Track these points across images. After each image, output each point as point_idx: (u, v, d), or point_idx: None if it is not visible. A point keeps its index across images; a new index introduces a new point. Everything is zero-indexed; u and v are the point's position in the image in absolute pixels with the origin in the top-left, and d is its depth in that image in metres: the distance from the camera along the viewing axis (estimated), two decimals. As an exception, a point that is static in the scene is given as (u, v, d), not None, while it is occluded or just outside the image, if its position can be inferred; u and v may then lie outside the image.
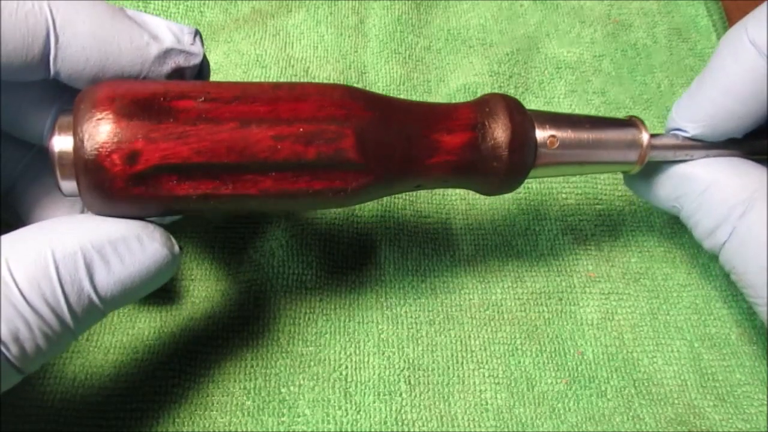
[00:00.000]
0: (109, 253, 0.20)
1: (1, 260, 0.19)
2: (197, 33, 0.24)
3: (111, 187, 0.20)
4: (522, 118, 0.25)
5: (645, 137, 0.27)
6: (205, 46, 0.24)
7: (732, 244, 0.26)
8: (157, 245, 0.21)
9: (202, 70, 0.24)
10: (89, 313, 0.20)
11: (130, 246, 0.21)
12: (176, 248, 0.22)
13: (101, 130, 0.20)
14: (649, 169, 0.28)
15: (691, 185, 0.27)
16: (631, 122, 0.27)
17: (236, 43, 0.39)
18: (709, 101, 0.26)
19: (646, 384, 0.30)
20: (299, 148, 0.21)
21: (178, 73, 0.23)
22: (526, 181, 0.37)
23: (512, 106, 0.25)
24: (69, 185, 0.21)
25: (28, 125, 0.24)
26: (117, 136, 0.20)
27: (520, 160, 0.25)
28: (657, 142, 0.27)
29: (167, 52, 0.23)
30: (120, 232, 0.21)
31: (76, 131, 0.20)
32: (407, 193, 0.34)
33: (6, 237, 0.20)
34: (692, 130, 0.27)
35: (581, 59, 0.40)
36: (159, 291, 0.30)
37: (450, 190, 0.35)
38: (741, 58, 0.25)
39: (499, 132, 0.24)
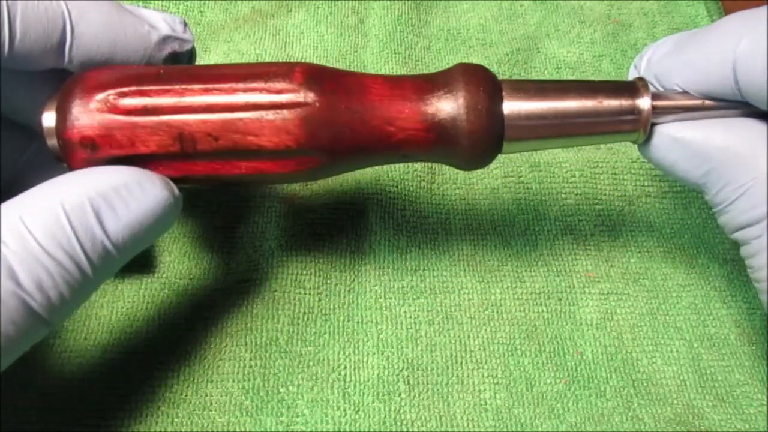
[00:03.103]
0: (114, 200, 0.22)
1: (16, 216, 0.20)
2: (185, 22, 0.27)
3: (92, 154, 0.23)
4: (483, 86, 0.24)
5: (646, 103, 0.23)
6: (193, 34, 0.27)
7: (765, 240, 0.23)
8: (157, 189, 0.23)
9: (192, 55, 0.28)
10: (104, 259, 0.21)
11: (132, 191, 0.22)
12: (176, 191, 0.24)
13: (79, 111, 0.23)
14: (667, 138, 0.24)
15: (732, 169, 0.23)
16: (632, 85, 0.24)
17: (236, 43, 0.39)
18: (689, 75, 0.23)
19: (646, 384, 0.30)
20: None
21: (173, 58, 0.26)
22: (525, 180, 0.37)
23: (474, 73, 0.24)
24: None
25: (32, 114, 0.25)
26: (94, 114, 0.23)
27: (481, 131, 0.23)
28: (661, 103, 0.24)
29: (165, 39, 0.26)
30: (121, 179, 0.22)
31: (60, 109, 0.23)
32: (407, 193, 0.34)
33: (13, 200, 0.21)
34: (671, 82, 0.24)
35: (581, 59, 0.40)
36: (158, 290, 0.30)
37: (450, 191, 0.35)
38: (721, 71, 0.22)
39: (457, 98, 0.23)
